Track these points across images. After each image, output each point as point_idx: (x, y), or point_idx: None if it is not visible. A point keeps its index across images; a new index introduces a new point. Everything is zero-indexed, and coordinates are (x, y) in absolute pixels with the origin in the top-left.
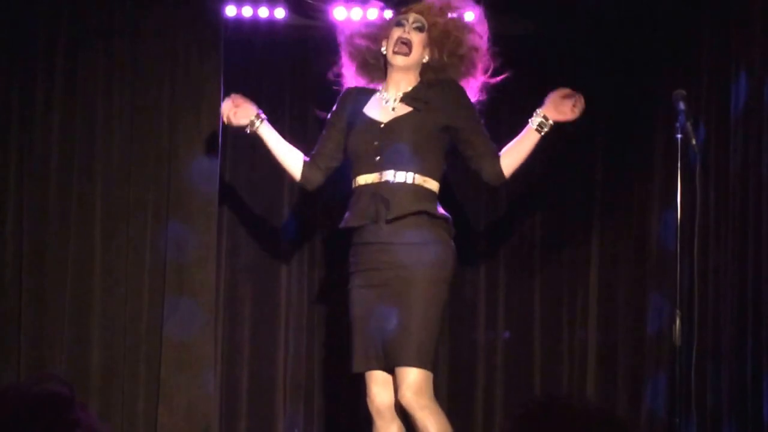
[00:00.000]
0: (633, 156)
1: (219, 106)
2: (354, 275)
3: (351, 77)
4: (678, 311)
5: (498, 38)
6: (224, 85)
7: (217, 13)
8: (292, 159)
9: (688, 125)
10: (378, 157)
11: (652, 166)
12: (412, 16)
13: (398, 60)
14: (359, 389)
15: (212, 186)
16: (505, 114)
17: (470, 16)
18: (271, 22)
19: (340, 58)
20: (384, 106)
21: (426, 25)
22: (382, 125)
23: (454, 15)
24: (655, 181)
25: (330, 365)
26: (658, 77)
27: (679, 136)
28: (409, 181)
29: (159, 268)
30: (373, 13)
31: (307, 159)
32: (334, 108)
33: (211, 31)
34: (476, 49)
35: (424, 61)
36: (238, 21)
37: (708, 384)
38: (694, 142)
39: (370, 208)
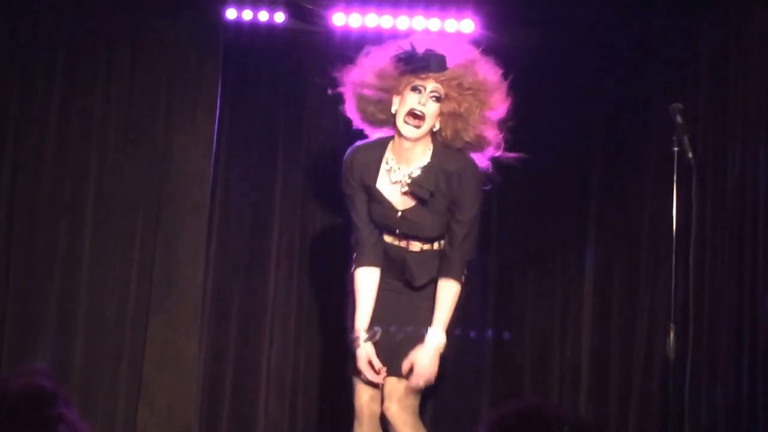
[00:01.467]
0: (629, 168)
1: (216, 108)
2: None
3: (356, 120)
4: (672, 325)
5: (499, 48)
6: (222, 87)
7: (217, 16)
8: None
9: (685, 139)
10: (400, 235)
11: (649, 178)
12: (430, 85)
13: (408, 132)
14: (343, 391)
15: (204, 187)
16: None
17: (492, 95)
18: (270, 27)
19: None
20: (394, 184)
21: (443, 96)
22: (399, 213)
23: (472, 95)
24: (651, 194)
25: (315, 367)
26: (656, 90)
27: (675, 149)
28: (435, 248)
29: (147, 266)
30: (383, 59)
31: (364, 252)
32: (348, 188)
33: (211, 33)
34: (484, 138)
35: (434, 129)
36: (238, 24)
37: (702, 400)
38: (690, 155)
39: (396, 269)
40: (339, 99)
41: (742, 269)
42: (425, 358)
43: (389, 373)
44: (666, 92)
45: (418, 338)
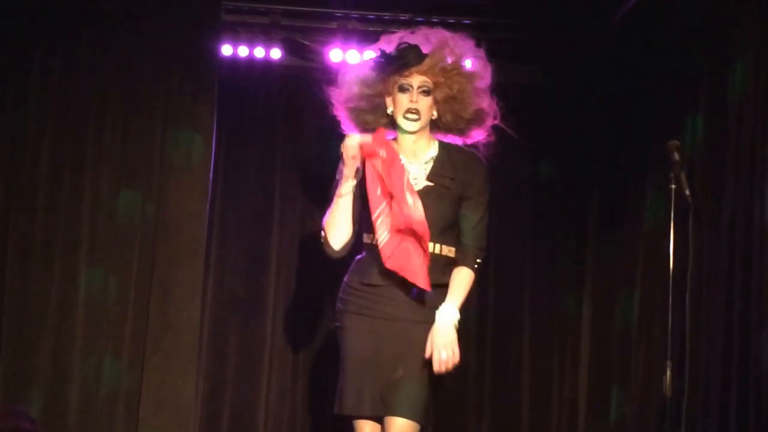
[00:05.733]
0: (627, 205)
1: (211, 144)
2: (351, 315)
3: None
4: (669, 362)
5: (500, 86)
6: (217, 124)
7: (213, 52)
8: (346, 226)
9: (682, 176)
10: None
11: (646, 215)
12: (417, 80)
13: (409, 126)
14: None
15: (200, 224)
16: (504, 159)
17: (473, 64)
18: (266, 63)
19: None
20: (414, 179)
21: (432, 87)
22: None
23: (458, 74)
24: (649, 231)
25: (313, 407)
26: (654, 128)
27: (673, 186)
28: (437, 251)
29: (143, 305)
30: (362, 67)
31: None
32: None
33: (206, 70)
34: (482, 111)
35: (433, 118)
36: (234, 61)
37: None
38: (687, 192)
39: (392, 274)
40: (337, 127)
41: (732, 306)
42: (440, 331)
43: (391, 413)
44: (663, 130)
45: (420, 371)
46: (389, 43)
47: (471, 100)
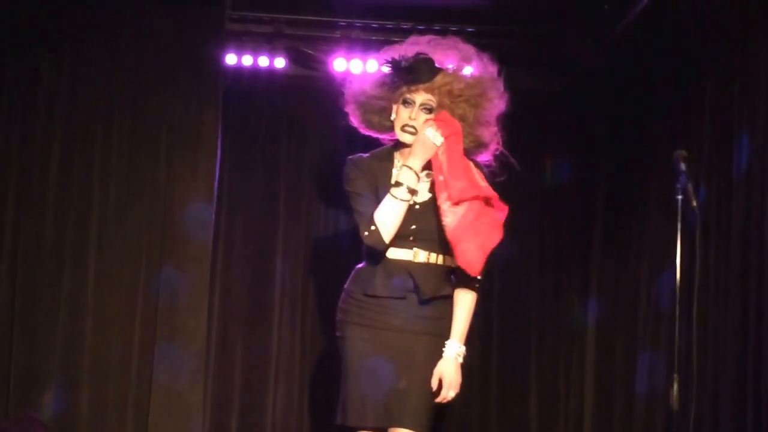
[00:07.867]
0: (633, 216)
1: (216, 153)
2: (353, 326)
3: (362, 129)
4: (675, 375)
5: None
6: (222, 133)
7: (217, 61)
8: (399, 224)
9: (689, 186)
10: (411, 237)
11: (653, 227)
12: (421, 97)
13: (406, 138)
14: None
15: (206, 233)
16: (509, 166)
17: (486, 93)
18: (270, 72)
19: (344, 108)
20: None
21: (434, 106)
22: (417, 206)
23: (464, 101)
24: (655, 243)
25: (320, 416)
26: (660, 137)
27: (679, 197)
28: (440, 262)
29: (150, 314)
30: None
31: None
32: (353, 185)
33: (211, 79)
34: (482, 142)
35: None
36: (238, 70)
37: None
38: (694, 203)
39: (400, 285)
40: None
41: (746, 318)
42: (450, 369)
43: (396, 424)
44: (669, 139)
45: (423, 382)
46: (415, 45)
47: (471, 129)
